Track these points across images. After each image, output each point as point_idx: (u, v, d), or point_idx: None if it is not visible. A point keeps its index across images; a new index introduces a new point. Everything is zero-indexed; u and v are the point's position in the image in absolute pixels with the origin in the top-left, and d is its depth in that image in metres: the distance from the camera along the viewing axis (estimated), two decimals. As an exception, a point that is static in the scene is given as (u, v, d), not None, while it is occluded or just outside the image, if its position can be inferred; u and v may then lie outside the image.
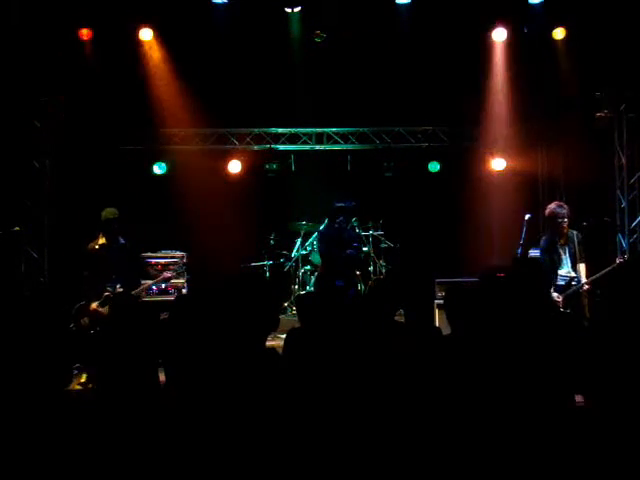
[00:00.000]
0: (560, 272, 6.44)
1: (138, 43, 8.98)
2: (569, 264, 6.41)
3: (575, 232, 6.50)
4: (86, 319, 6.05)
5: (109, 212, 6.44)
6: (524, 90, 9.43)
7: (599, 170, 9.04)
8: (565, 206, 6.47)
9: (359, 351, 2.88)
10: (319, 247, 8.45)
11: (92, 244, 6.42)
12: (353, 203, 7.89)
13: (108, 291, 6.19)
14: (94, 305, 6.10)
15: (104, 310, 6.08)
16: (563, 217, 6.40)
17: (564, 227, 6.41)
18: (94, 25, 8.54)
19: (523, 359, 2.57)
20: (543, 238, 6.68)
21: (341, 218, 7.70)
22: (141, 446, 2.19)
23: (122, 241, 6.50)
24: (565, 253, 6.44)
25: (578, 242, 6.42)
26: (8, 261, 8.03)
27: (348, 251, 7.76)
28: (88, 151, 9.49)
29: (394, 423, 2.39)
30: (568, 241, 6.44)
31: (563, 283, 6.37)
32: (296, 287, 9.94)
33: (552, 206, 6.54)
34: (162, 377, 2.66)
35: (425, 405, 2.44)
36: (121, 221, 6.48)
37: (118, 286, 6.22)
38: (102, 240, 6.40)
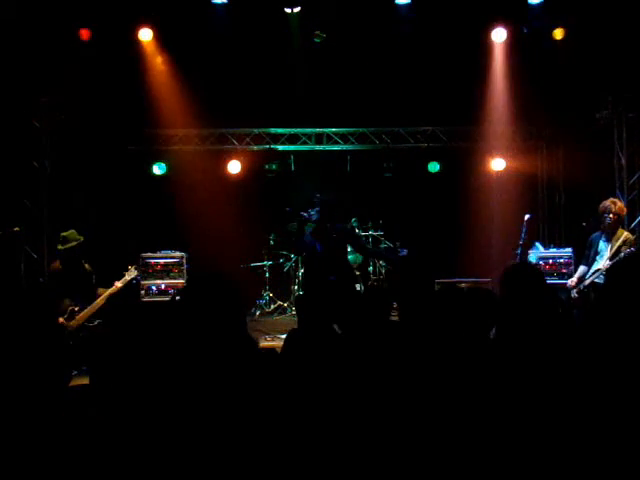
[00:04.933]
0: (594, 266, 6.35)
1: (138, 43, 8.99)
2: (605, 260, 6.25)
3: (627, 234, 6.32)
4: None
5: (65, 238, 6.55)
6: (524, 90, 9.43)
7: (599, 170, 9.03)
8: (617, 202, 6.30)
9: (359, 352, 2.88)
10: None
11: (54, 264, 6.61)
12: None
13: (72, 305, 6.36)
14: (61, 319, 6.22)
15: (72, 323, 6.28)
16: (606, 212, 6.24)
17: (608, 222, 6.24)
18: (94, 25, 8.54)
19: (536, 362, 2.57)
20: (594, 233, 6.55)
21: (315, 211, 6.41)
22: (137, 447, 2.19)
23: (81, 263, 6.61)
24: (606, 249, 6.31)
25: (623, 242, 6.20)
26: (8, 261, 8.03)
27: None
28: (88, 151, 9.49)
29: (395, 425, 2.39)
30: (613, 239, 6.27)
31: (589, 274, 6.37)
32: (296, 287, 9.95)
33: (604, 202, 6.35)
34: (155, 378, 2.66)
35: (427, 406, 2.44)
36: (80, 245, 6.58)
37: (76, 308, 6.37)
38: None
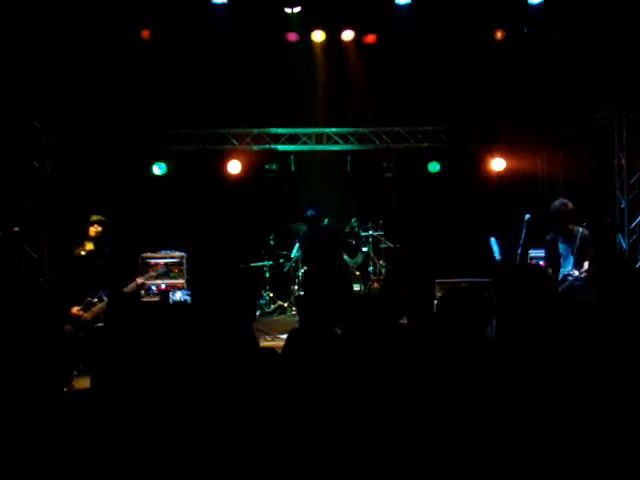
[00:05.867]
0: (562, 270, 6.29)
1: (138, 42, 8.99)
2: (572, 262, 6.21)
3: (581, 230, 6.27)
4: (69, 326, 6.03)
5: (94, 217, 6.56)
6: (524, 90, 9.43)
7: (599, 170, 9.04)
8: (568, 203, 6.25)
9: (361, 352, 2.88)
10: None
11: (78, 250, 6.50)
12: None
13: (91, 296, 6.24)
14: (75, 310, 6.09)
15: (87, 315, 6.13)
16: (558, 213, 6.24)
17: (565, 224, 6.24)
18: (94, 25, 8.54)
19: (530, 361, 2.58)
20: (548, 235, 6.56)
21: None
22: (138, 449, 2.19)
23: (107, 249, 6.55)
24: (568, 251, 6.28)
25: (582, 239, 6.19)
26: (8, 261, 8.02)
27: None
28: (88, 151, 9.49)
29: (395, 426, 2.38)
30: (571, 239, 6.25)
31: (559, 279, 6.31)
32: (296, 287, 9.94)
33: (554, 203, 6.41)
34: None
35: (427, 408, 2.44)
36: (107, 228, 6.56)
37: (100, 295, 6.27)
38: (89, 246, 6.46)
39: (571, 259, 6.24)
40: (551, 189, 10.62)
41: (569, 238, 6.27)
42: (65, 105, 8.85)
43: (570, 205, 6.28)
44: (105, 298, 6.22)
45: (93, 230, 6.56)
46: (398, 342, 2.96)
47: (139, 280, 6.54)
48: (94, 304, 6.18)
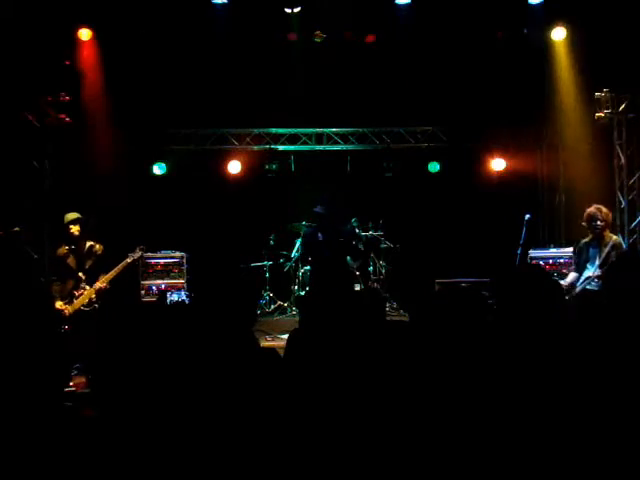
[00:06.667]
0: (585, 273, 6.35)
1: (138, 42, 8.99)
2: (595, 267, 6.26)
3: (614, 237, 6.36)
4: None
5: (67, 217, 6.57)
6: (524, 90, 9.44)
7: (599, 170, 9.04)
8: (603, 209, 6.32)
9: (362, 352, 2.88)
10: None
11: (60, 249, 6.57)
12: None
13: (79, 288, 6.30)
14: (59, 304, 6.17)
15: (69, 308, 6.23)
16: (593, 219, 6.28)
17: (596, 230, 6.27)
18: (94, 25, 8.54)
19: (525, 362, 2.58)
20: (583, 239, 6.55)
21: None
22: (137, 450, 2.19)
23: (89, 244, 6.56)
24: (595, 256, 6.31)
25: (613, 247, 6.22)
26: (8, 261, 8.02)
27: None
28: (88, 151, 9.48)
29: (396, 426, 2.39)
30: (601, 245, 6.29)
31: (580, 281, 6.35)
32: (296, 287, 9.95)
33: (589, 208, 6.41)
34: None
35: (428, 408, 2.44)
36: (85, 225, 6.57)
37: (77, 292, 6.32)
38: (66, 247, 6.54)
39: (596, 264, 6.28)
40: (551, 189, 10.64)
41: (600, 243, 6.31)
42: (65, 105, 8.84)
43: (604, 210, 6.32)
44: (87, 287, 6.30)
45: (75, 229, 6.55)
46: (394, 340, 2.96)
47: (117, 268, 6.55)
48: (77, 296, 6.26)
